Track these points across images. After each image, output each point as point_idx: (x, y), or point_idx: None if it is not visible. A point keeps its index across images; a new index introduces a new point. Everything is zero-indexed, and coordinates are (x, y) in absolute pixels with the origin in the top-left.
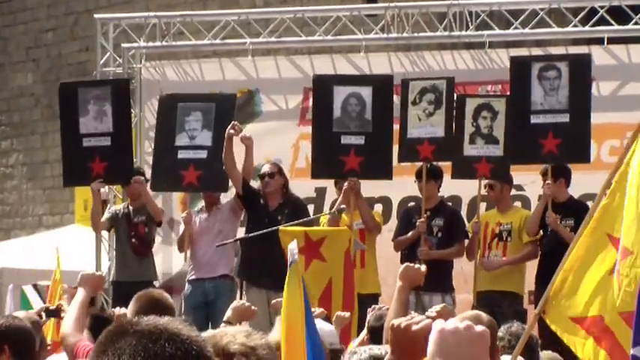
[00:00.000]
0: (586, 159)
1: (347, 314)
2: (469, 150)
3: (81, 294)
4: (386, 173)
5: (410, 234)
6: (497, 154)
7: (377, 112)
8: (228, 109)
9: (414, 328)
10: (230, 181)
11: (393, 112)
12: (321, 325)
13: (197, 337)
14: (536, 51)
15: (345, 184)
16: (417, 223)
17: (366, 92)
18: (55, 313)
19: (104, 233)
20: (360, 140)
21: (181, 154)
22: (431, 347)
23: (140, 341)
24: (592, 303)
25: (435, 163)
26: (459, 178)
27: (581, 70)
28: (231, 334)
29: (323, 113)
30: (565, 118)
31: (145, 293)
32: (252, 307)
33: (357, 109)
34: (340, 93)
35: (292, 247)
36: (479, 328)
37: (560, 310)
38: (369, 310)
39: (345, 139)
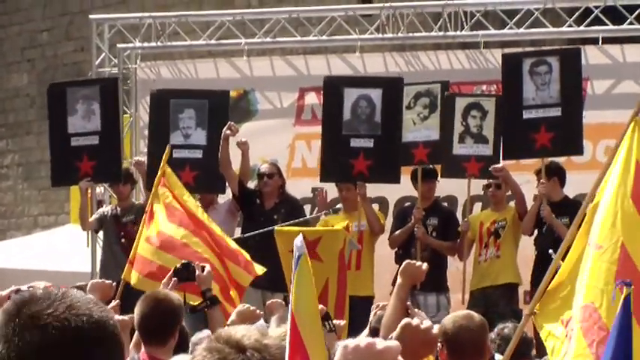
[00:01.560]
0: (579, 151)
1: (343, 322)
2: (458, 149)
3: None
4: (393, 177)
5: (403, 229)
6: (486, 153)
7: (386, 114)
8: (222, 107)
9: (434, 332)
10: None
11: (402, 115)
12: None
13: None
14: (545, 49)
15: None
16: (414, 211)
17: (376, 94)
18: None
19: (100, 233)
20: (369, 143)
21: (176, 154)
22: None
23: None
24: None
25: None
26: (448, 177)
27: (572, 64)
28: (245, 330)
29: (333, 116)
30: (557, 112)
31: (151, 294)
32: (258, 311)
33: (366, 111)
34: (350, 95)
35: (298, 241)
36: (381, 345)
37: (554, 311)
38: (374, 307)
39: (355, 142)
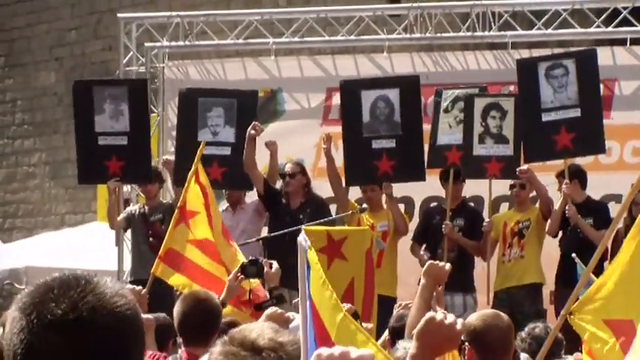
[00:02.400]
0: (602, 150)
1: (370, 325)
2: (478, 150)
3: None
4: (419, 175)
5: (423, 256)
6: (507, 153)
7: (405, 113)
8: (251, 106)
9: (459, 327)
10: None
11: (421, 112)
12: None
13: None
14: (559, 52)
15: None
16: (443, 227)
17: (394, 94)
18: None
19: (128, 232)
20: (391, 144)
21: (205, 150)
22: None
23: None
24: (628, 306)
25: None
26: (468, 178)
27: (588, 65)
28: (260, 329)
29: (352, 119)
30: (576, 112)
31: (191, 294)
32: (287, 315)
33: (385, 111)
34: (368, 97)
35: (302, 238)
36: (355, 353)
37: (594, 311)
38: (396, 306)
39: (376, 144)
